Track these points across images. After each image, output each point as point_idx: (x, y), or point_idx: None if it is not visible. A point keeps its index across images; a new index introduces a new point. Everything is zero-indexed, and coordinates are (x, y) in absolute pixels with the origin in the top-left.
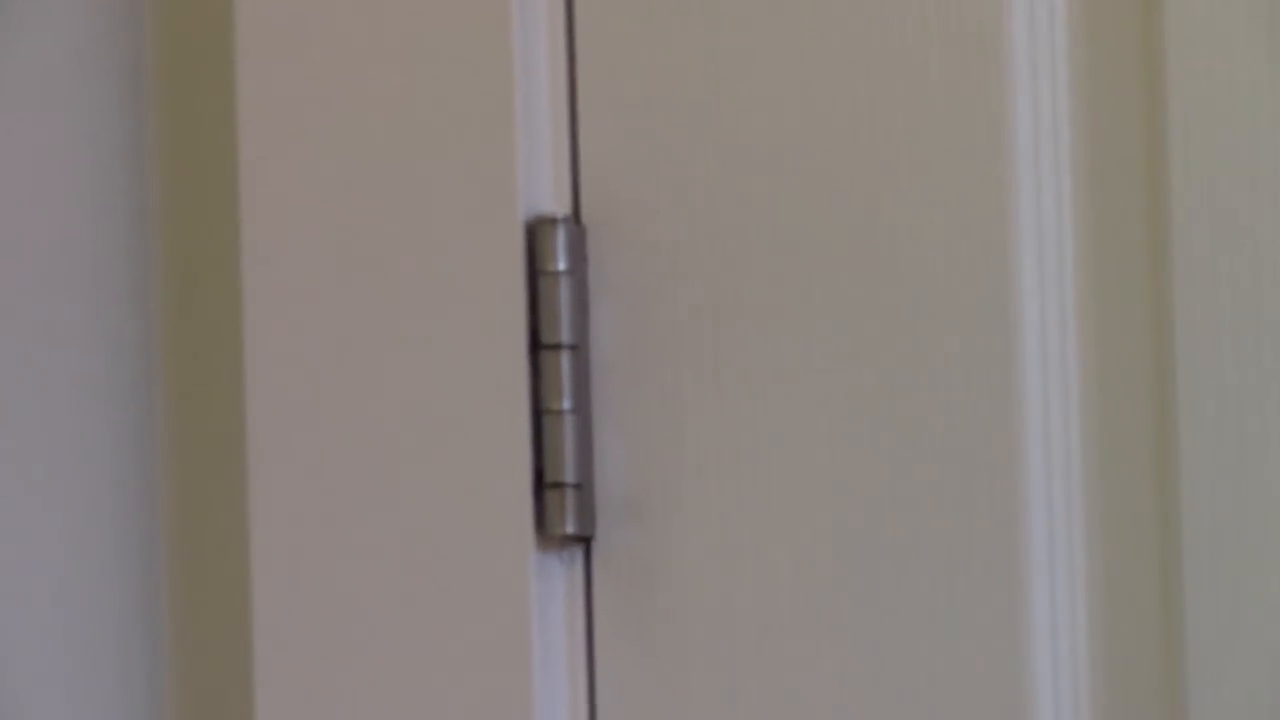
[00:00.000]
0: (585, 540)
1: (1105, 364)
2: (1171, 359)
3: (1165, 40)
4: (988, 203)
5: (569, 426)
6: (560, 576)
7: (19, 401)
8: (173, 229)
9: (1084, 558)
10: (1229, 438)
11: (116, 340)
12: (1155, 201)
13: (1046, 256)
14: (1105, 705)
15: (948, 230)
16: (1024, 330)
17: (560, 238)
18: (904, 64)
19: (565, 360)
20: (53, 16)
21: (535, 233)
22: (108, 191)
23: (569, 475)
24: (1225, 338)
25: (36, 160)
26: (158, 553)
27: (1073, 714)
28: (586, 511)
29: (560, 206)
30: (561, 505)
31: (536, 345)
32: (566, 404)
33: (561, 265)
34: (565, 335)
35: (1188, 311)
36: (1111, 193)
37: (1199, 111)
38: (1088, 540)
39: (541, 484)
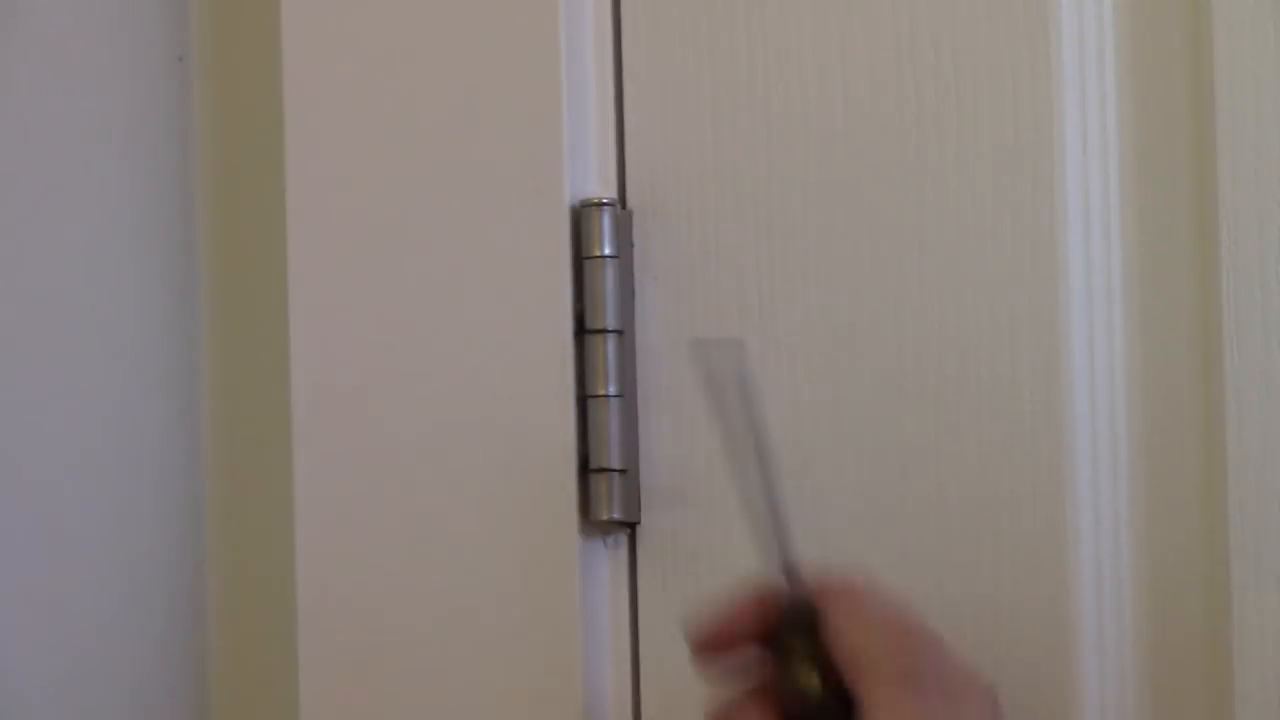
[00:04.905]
0: (630, 526)
1: (1151, 346)
2: (1219, 342)
3: (1213, 23)
4: (1036, 188)
5: (614, 412)
6: (605, 562)
7: (72, 393)
8: (219, 218)
9: (1128, 534)
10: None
11: (161, 334)
12: (1202, 183)
13: (1094, 238)
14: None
15: (996, 216)
16: (1072, 332)
17: (606, 223)
18: (951, 50)
19: (610, 345)
20: (100, 5)
21: (581, 218)
22: (154, 178)
23: (614, 461)
24: (1273, 322)
25: (83, 148)
26: (203, 552)
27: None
28: (631, 497)
29: (606, 191)
30: (606, 491)
31: (582, 330)
32: (611, 389)
33: (607, 250)
34: (610, 321)
35: (1235, 296)
36: (1158, 174)
37: (1245, 96)
38: (1133, 513)
39: (586, 469)
